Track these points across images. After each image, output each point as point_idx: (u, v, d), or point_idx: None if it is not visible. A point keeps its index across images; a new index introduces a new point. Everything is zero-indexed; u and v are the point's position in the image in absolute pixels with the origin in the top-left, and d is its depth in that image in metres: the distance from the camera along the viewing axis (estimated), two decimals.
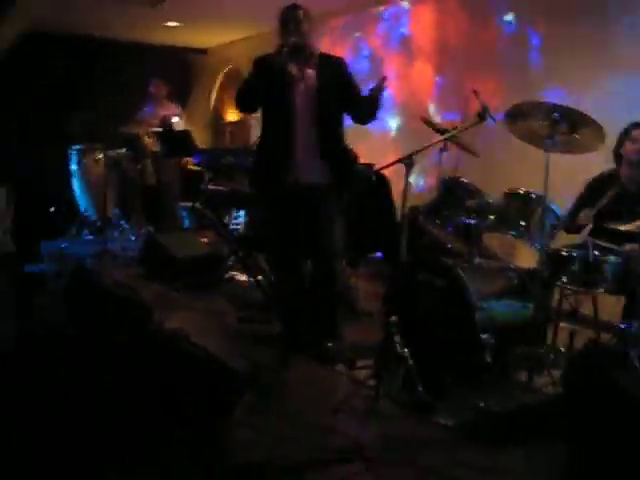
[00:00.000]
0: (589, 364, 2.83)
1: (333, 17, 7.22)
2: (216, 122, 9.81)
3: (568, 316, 3.76)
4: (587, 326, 4.03)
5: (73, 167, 7.14)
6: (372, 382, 3.33)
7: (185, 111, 9.81)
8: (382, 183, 5.81)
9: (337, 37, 7.37)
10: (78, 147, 7.08)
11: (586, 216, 3.88)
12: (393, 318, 3.42)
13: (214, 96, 9.82)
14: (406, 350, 3.34)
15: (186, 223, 7.51)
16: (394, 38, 6.76)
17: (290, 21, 3.72)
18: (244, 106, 4.09)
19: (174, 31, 8.64)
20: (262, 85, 3.87)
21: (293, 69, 3.84)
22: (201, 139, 9.84)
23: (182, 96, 9.86)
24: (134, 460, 2.58)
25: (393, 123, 6.69)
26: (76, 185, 7.24)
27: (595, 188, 3.98)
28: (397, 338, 3.39)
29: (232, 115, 9.46)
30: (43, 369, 3.28)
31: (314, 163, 3.80)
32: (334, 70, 3.84)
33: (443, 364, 3.41)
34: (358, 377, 3.51)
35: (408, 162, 3.27)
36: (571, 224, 4.06)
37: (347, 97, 3.85)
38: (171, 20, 8.07)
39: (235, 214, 6.88)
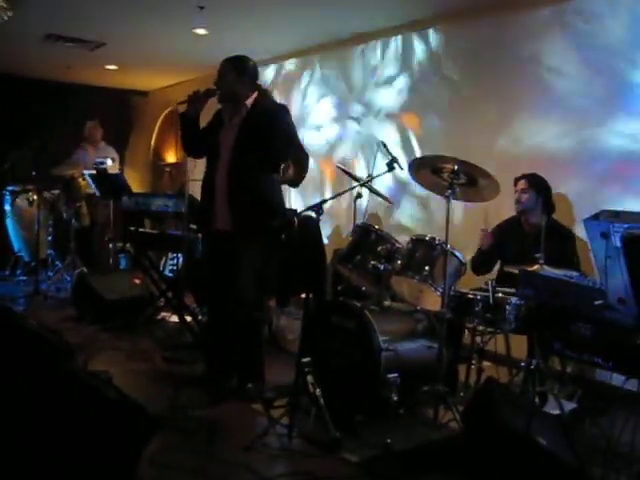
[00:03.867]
0: (482, 403, 3.02)
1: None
2: (156, 163, 9.92)
3: (477, 355, 3.94)
4: (496, 364, 4.27)
5: (7, 207, 7.16)
6: (286, 420, 3.49)
7: (125, 152, 9.94)
8: (312, 227, 6.02)
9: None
10: (11, 188, 7.12)
11: (486, 237, 4.20)
12: (306, 358, 3.58)
13: (154, 138, 9.94)
14: (318, 390, 3.50)
15: (122, 264, 7.58)
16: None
17: (218, 71, 3.93)
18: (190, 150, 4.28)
19: (114, 74, 8.78)
20: (207, 131, 4.07)
21: (226, 117, 4.03)
22: (141, 180, 9.95)
23: (122, 137, 9.99)
24: None
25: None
26: (10, 225, 7.25)
27: (498, 234, 4.30)
28: (309, 378, 3.55)
29: (171, 157, 9.60)
30: None
31: (225, 211, 3.92)
32: (261, 121, 3.88)
33: (353, 403, 3.55)
34: (274, 416, 3.63)
35: (319, 209, 3.46)
36: (479, 266, 4.33)
37: (268, 150, 3.89)
38: (110, 64, 8.21)
39: (171, 256, 6.98)
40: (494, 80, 5.21)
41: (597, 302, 2.18)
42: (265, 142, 3.84)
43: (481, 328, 3.67)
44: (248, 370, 4.01)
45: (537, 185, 4.23)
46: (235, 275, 3.86)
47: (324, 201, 3.55)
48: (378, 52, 6.34)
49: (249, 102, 3.93)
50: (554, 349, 2.88)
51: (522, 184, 4.25)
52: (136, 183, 9.67)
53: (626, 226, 1.76)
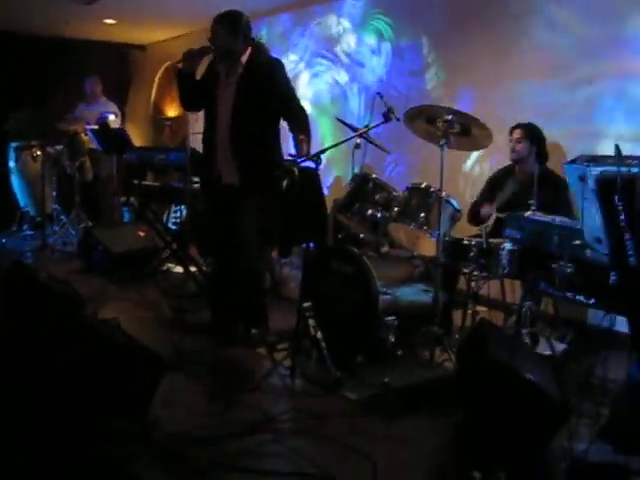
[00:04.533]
0: (475, 341, 3.17)
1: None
2: (156, 118, 9.96)
3: (472, 299, 4.08)
4: (490, 308, 4.42)
5: (11, 164, 7.26)
6: (289, 363, 3.66)
7: (125, 107, 9.97)
8: (311, 177, 6.12)
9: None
10: (16, 144, 7.20)
11: (486, 211, 4.30)
12: (307, 303, 3.74)
13: (154, 92, 9.96)
14: (319, 333, 3.66)
15: (126, 217, 7.70)
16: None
17: (210, 30, 3.96)
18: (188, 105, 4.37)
19: (112, 28, 8.77)
20: (203, 85, 4.14)
21: (222, 74, 4.09)
22: (141, 135, 10.00)
23: (122, 92, 10.01)
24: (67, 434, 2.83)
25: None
26: (15, 182, 7.36)
27: (494, 183, 4.41)
28: (311, 322, 3.71)
29: (171, 111, 9.63)
30: None
31: (229, 164, 4.03)
32: (259, 77, 3.95)
33: (352, 345, 3.72)
34: (277, 359, 3.80)
35: (317, 159, 3.57)
36: (475, 217, 4.45)
37: (267, 106, 3.96)
38: (108, 17, 8.21)
39: (174, 209, 7.10)
40: None
41: (576, 242, 2.29)
42: (264, 97, 3.91)
43: (476, 273, 3.79)
44: (251, 317, 4.16)
45: (532, 134, 4.32)
46: (238, 227, 3.98)
47: (322, 151, 3.66)
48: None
49: (244, 58, 3.98)
50: (540, 289, 3.01)
51: (517, 133, 4.34)
52: (137, 138, 9.72)
53: (600, 169, 1.87)
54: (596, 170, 1.86)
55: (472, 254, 3.82)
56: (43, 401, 3.01)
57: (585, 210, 1.98)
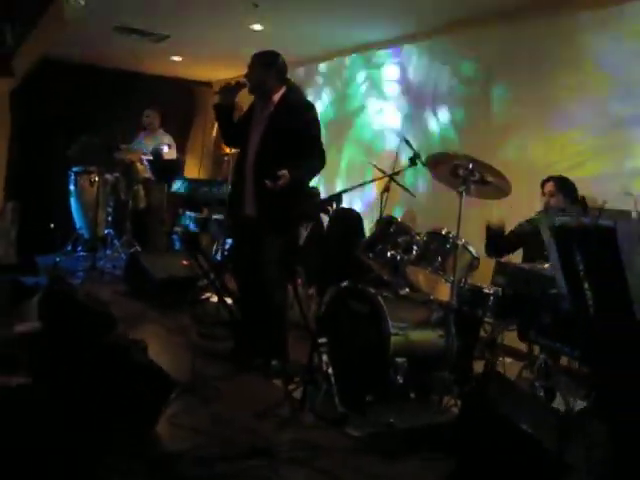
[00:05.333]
0: (477, 390, 3.19)
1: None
2: (216, 152, 10.29)
3: (489, 348, 4.08)
4: (513, 358, 4.41)
5: (71, 187, 7.62)
6: (300, 395, 3.74)
7: (188, 141, 10.35)
8: (354, 218, 6.27)
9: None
10: (76, 169, 7.57)
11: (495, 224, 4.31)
12: (323, 339, 3.82)
13: (215, 128, 10.30)
14: (330, 369, 3.73)
15: (177, 245, 7.95)
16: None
17: (248, 66, 4.19)
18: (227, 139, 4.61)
19: (179, 65, 9.19)
20: (241, 122, 4.35)
21: (257, 109, 4.30)
22: (201, 168, 10.35)
23: (185, 126, 10.41)
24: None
25: None
26: (73, 204, 7.71)
27: (525, 230, 4.40)
28: (324, 357, 3.79)
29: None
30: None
31: (252, 198, 4.19)
32: (289, 115, 4.12)
33: (362, 383, 3.77)
34: (290, 390, 3.88)
35: (337, 199, 3.69)
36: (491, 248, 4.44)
37: (293, 145, 4.08)
38: (175, 55, 8.62)
39: (226, 239, 7.31)
40: None
41: (552, 291, 2.32)
42: (291, 136, 4.06)
43: (490, 321, 3.81)
44: (271, 348, 4.27)
45: (565, 187, 4.29)
46: (259, 259, 4.12)
47: (344, 191, 3.78)
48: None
49: (277, 97, 4.17)
50: (530, 337, 3.02)
51: (549, 186, 4.32)
52: (196, 170, 10.09)
53: (564, 219, 1.91)
54: (559, 221, 1.91)
55: (490, 303, 3.84)
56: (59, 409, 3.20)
57: (553, 260, 2.02)
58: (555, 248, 1.91)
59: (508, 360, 4.33)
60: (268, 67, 4.16)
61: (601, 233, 1.73)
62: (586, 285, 1.80)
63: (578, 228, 1.80)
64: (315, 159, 4.11)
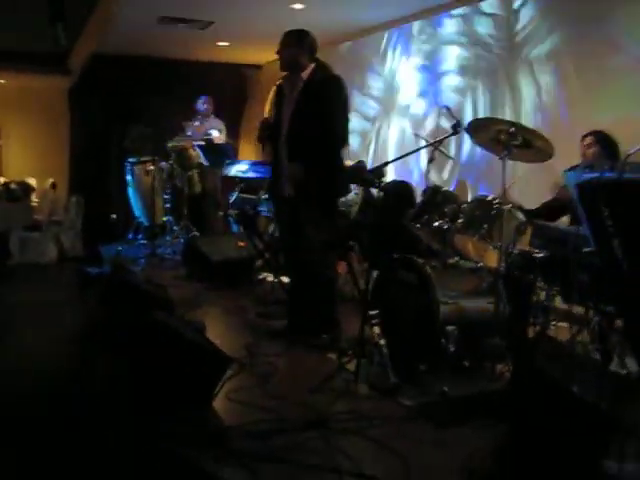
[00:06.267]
0: (528, 355, 3.17)
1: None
2: None
3: (541, 313, 4.03)
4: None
5: (128, 178, 7.83)
6: (353, 367, 3.78)
7: (240, 125, 10.46)
8: (405, 190, 6.26)
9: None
10: (132, 160, 7.77)
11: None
12: (374, 311, 3.86)
13: (267, 110, 10.36)
14: (382, 340, 3.76)
15: (234, 228, 8.09)
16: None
17: (280, 43, 4.26)
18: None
19: (226, 49, 9.27)
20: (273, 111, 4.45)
21: (287, 89, 4.35)
22: (255, 151, 10.45)
23: (237, 110, 10.51)
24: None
25: None
26: (131, 194, 7.93)
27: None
28: (375, 329, 3.82)
29: None
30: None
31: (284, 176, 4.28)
32: (316, 93, 4.19)
33: (414, 352, 3.79)
34: (343, 363, 3.93)
35: (380, 172, 3.70)
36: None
37: (322, 121, 4.15)
38: (222, 40, 8.70)
39: None
40: None
41: (586, 249, 2.27)
42: (319, 113, 4.12)
43: (540, 285, 3.77)
44: (322, 323, 4.33)
45: (603, 141, 4.22)
46: (303, 237, 4.20)
47: (386, 163, 3.78)
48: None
49: (305, 74, 4.21)
50: (573, 299, 2.97)
51: (588, 140, 4.27)
52: (251, 154, 10.18)
53: (590, 175, 1.87)
54: (587, 176, 1.87)
55: (540, 266, 3.80)
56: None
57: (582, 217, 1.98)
58: (581, 205, 1.88)
59: (563, 324, 4.26)
60: (299, 44, 4.24)
61: (626, 187, 1.69)
62: (616, 242, 1.77)
63: (603, 183, 1.77)
64: (332, 137, 4.15)
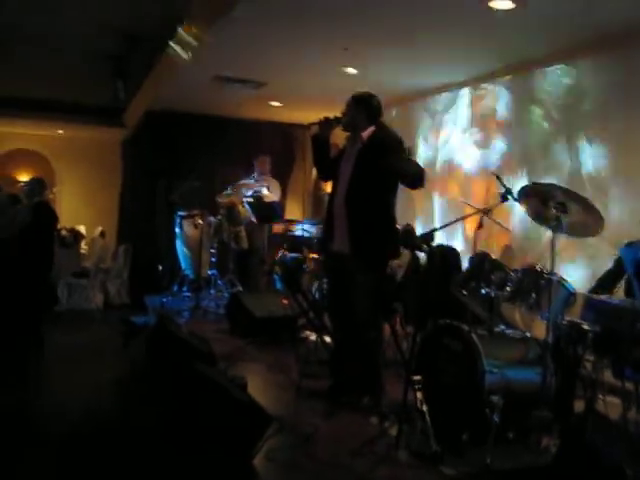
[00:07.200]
0: (573, 430, 3.11)
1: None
2: (316, 192, 10.52)
3: (589, 386, 3.96)
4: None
5: (177, 230, 7.99)
6: (395, 432, 3.74)
7: (288, 183, 10.64)
8: (451, 255, 6.27)
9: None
10: (181, 213, 7.94)
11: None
12: (417, 376, 3.83)
13: (315, 168, 10.54)
14: (425, 406, 3.72)
15: (278, 285, 8.16)
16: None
17: (345, 105, 4.38)
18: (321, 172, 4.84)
19: (278, 109, 9.50)
20: (334, 158, 4.53)
21: (348, 146, 4.45)
22: (302, 209, 10.61)
23: (286, 168, 10.70)
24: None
25: None
26: (178, 246, 8.08)
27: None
28: (419, 395, 3.79)
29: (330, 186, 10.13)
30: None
31: (342, 233, 4.30)
32: (375, 153, 4.24)
33: (457, 422, 3.74)
34: (385, 427, 3.90)
35: (431, 236, 3.73)
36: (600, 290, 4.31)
37: (380, 181, 4.22)
38: (273, 101, 8.93)
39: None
40: None
41: None
42: (377, 173, 4.18)
43: (591, 359, 3.70)
44: (364, 385, 4.31)
45: None
46: (351, 296, 4.20)
47: (436, 229, 3.80)
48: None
49: (366, 134, 4.30)
50: (625, 374, 2.91)
51: None
52: (298, 212, 10.33)
53: None
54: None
55: (589, 339, 3.74)
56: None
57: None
58: (637, 281, 1.87)
59: (612, 399, 4.17)
60: (360, 107, 4.34)
61: None
62: None
63: None
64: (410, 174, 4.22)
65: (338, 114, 4.42)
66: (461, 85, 7.37)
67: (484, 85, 7.07)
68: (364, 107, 4.35)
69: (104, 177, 12.95)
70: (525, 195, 3.83)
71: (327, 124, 4.44)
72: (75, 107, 11.16)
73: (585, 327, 3.81)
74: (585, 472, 2.91)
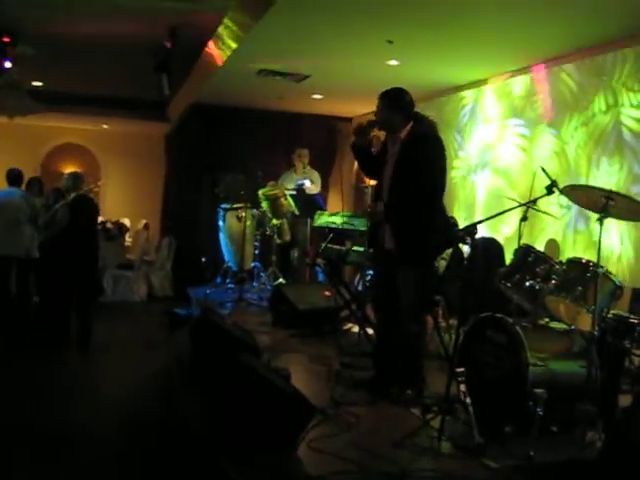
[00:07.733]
0: (620, 424, 3.08)
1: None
2: (358, 185, 10.52)
3: (635, 379, 3.91)
4: None
5: (220, 223, 8.08)
6: (437, 424, 3.75)
7: (330, 176, 10.67)
8: (494, 247, 6.23)
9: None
10: (224, 206, 8.02)
11: None
12: (461, 369, 3.83)
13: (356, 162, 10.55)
14: (468, 399, 3.72)
15: (320, 277, 8.20)
16: None
17: (376, 106, 4.35)
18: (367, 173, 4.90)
19: (320, 102, 9.54)
20: (378, 156, 4.51)
21: (389, 144, 4.43)
22: (344, 201, 10.61)
23: (328, 161, 10.73)
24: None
25: None
26: (221, 239, 8.16)
27: None
28: (462, 387, 3.79)
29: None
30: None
31: (388, 230, 4.30)
32: (413, 150, 4.23)
33: (501, 414, 3.73)
34: (428, 419, 3.90)
35: (472, 230, 3.72)
36: None
37: (421, 177, 4.18)
38: (316, 94, 8.96)
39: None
40: None
41: None
42: (417, 169, 4.16)
43: (638, 352, 3.66)
44: (407, 378, 4.32)
45: None
46: (397, 290, 4.22)
47: (479, 222, 3.79)
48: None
49: (404, 132, 4.28)
50: None
51: None
52: (339, 204, 10.34)
53: None
54: None
55: (636, 332, 3.71)
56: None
57: None
58: None
59: None
60: (392, 107, 4.28)
61: None
62: None
63: None
64: (430, 193, 4.20)
65: (372, 118, 4.40)
66: (506, 76, 7.29)
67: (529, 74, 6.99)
68: (398, 108, 4.28)
69: (148, 170, 13.18)
70: (569, 190, 3.80)
71: (362, 131, 4.44)
72: (120, 102, 11.37)
73: (632, 320, 3.78)
74: (631, 468, 2.88)
